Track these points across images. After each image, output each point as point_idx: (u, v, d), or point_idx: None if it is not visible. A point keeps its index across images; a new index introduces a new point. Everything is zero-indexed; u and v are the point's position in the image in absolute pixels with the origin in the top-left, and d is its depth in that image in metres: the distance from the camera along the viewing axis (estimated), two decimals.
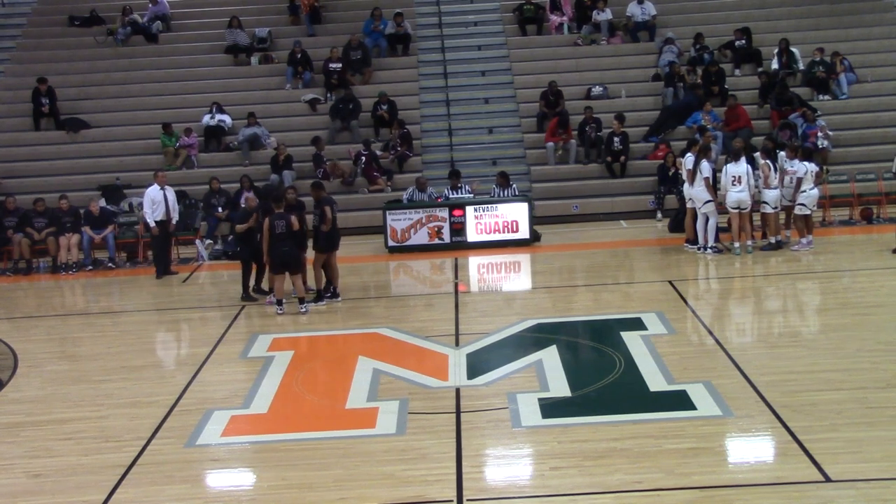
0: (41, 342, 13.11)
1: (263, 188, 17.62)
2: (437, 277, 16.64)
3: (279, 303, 13.60)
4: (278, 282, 13.60)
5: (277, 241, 13.39)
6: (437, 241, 17.75)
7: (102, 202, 19.15)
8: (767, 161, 15.80)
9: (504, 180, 18.48)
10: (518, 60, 24.04)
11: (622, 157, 20.33)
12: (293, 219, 13.45)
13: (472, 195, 18.37)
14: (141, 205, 17.60)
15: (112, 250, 17.98)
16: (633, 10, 24.36)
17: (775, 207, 15.95)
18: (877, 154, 20.17)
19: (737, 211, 15.71)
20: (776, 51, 22.56)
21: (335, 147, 21.40)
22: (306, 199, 15.00)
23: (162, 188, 16.75)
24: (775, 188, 15.84)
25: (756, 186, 15.86)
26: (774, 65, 22.44)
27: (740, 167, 15.66)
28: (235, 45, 24.28)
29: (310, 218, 14.12)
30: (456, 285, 15.26)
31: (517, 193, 18.44)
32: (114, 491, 7.84)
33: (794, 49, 22.54)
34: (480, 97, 23.34)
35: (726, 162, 16.16)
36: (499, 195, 18.26)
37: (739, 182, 15.61)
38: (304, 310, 13.55)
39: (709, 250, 15.88)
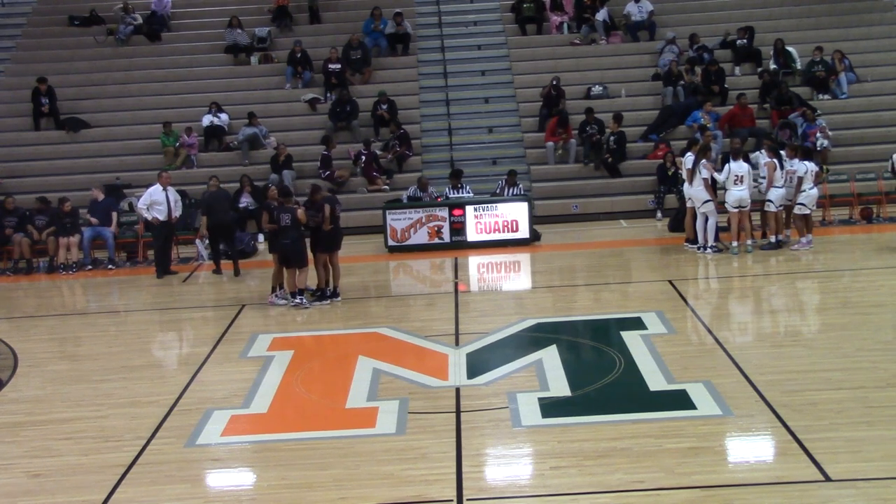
0: (41, 342, 13.11)
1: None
2: (436, 277, 16.64)
3: (292, 295, 13.68)
4: (289, 276, 13.63)
5: (281, 233, 13.40)
6: (436, 240, 17.74)
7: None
8: (773, 160, 15.80)
9: (513, 178, 18.53)
10: (518, 60, 24.03)
11: (612, 156, 20.31)
12: (299, 212, 13.44)
13: (471, 195, 18.41)
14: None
15: (112, 250, 17.98)
16: (631, 8, 24.36)
17: (779, 206, 15.95)
18: (877, 154, 20.14)
19: (737, 210, 15.71)
20: (772, 51, 22.55)
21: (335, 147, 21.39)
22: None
23: (164, 189, 16.81)
24: (780, 187, 15.84)
25: (755, 186, 15.93)
26: (772, 65, 22.44)
27: (742, 166, 15.68)
28: (235, 45, 24.27)
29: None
30: (456, 285, 15.26)
31: (521, 193, 18.47)
32: (114, 491, 7.83)
33: (790, 49, 22.53)
34: (480, 97, 23.34)
35: (724, 161, 16.17)
36: (505, 192, 18.28)
37: (742, 181, 15.62)
38: (297, 302, 13.59)
39: (708, 250, 15.87)
